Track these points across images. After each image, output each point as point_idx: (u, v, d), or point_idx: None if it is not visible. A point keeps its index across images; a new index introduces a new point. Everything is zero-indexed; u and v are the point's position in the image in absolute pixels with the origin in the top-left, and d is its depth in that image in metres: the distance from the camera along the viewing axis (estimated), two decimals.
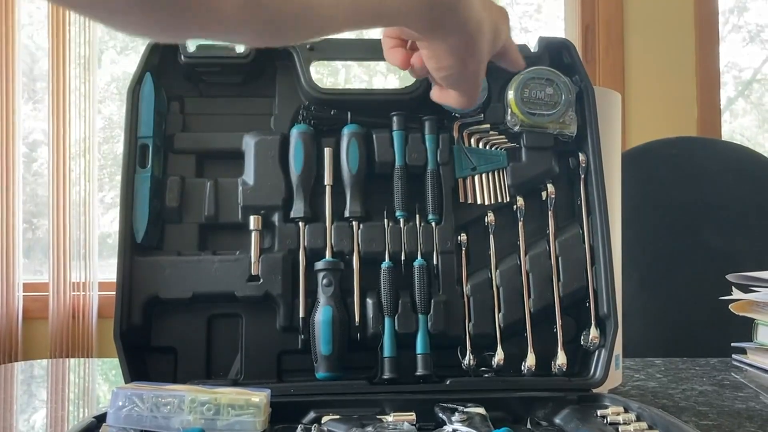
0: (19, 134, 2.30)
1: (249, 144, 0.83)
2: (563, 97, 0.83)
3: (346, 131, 0.83)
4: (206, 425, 0.62)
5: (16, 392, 1.12)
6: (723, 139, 2.49)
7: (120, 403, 0.63)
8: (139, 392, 0.64)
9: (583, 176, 0.84)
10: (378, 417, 0.69)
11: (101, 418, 0.67)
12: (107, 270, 2.32)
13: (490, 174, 0.84)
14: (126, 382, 0.74)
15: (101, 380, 1.16)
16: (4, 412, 0.97)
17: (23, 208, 2.35)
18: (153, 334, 0.79)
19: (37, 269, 2.46)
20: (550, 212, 0.83)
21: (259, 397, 0.64)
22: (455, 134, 0.84)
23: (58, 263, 2.25)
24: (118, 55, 2.62)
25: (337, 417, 0.68)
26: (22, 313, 2.28)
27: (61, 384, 1.19)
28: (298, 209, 0.81)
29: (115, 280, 0.78)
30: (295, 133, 0.83)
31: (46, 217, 2.30)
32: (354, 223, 0.82)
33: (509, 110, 0.84)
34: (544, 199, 0.84)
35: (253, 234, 0.81)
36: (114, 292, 0.78)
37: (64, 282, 2.25)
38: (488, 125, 0.85)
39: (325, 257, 0.80)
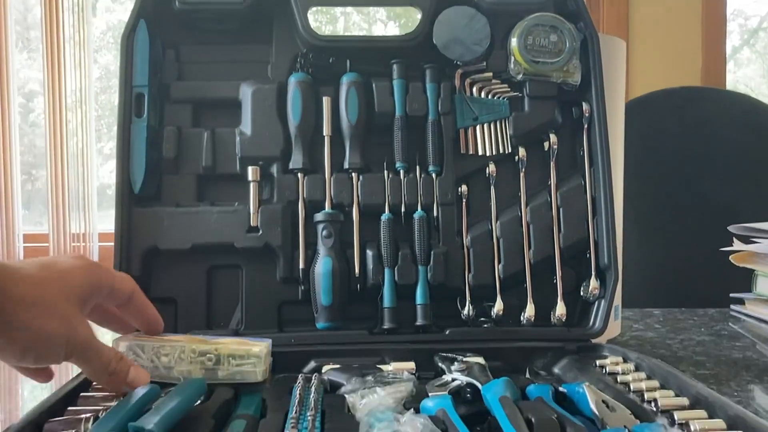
0: (14, 84, 2.27)
1: (246, 93, 0.81)
2: (567, 45, 0.81)
3: (345, 80, 0.82)
4: (207, 375, 0.63)
5: None
6: (727, 88, 2.46)
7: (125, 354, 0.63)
8: (140, 342, 0.64)
9: (586, 126, 0.82)
10: (378, 366, 0.69)
11: None
12: (106, 221, 2.32)
13: (491, 124, 0.83)
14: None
15: (103, 330, 1.17)
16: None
17: (22, 159, 2.34)
18: (153, 285, 0.79)
19: (37, 220, 2.46)
20: (552, 163, 0.82)
21: (260, 347, 0.64)
22: (457, 83, 0.83)
23: (57, 214, 2.25)
24: (112, 3, 2.57)
25: (338, 366, 0.69)
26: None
27: None
28: (296, 160, 0.80)
29: (113, 231, 0.77)
30: (292, 81, 0.81)
31: (44, 168, 2.28)
32: (353, 174, 0.81)
33: (512, 58, 0.82)
34: (546, 149, 0.83)
35: (251, 185, 0.80)
36: (113, 243, 0.77)
37: (63, 233, 2.25)
38: (491, 74, 0.83)
39: (324, 209, 0.80)
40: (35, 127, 2.47)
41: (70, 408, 0.57)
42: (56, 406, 0.56)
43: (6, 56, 2.23)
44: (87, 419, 0.52)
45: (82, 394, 0.60)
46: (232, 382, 0.63)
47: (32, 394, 0.80)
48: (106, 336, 0.68)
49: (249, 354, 0.63)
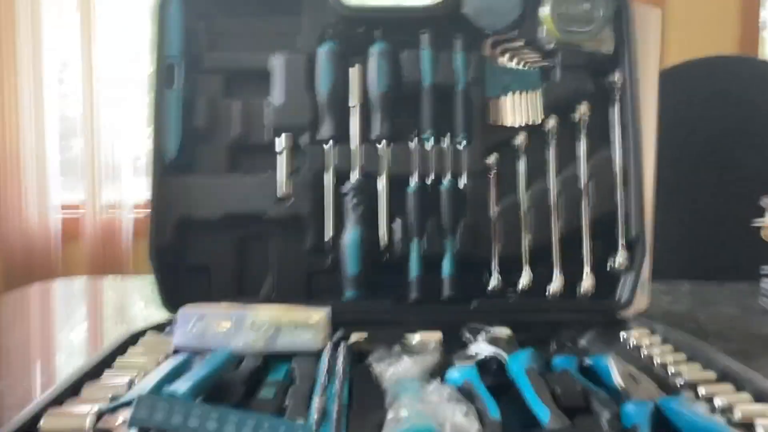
0: (48, 53, 2.29)
1: (276, 63, 0.81)
2: (600, 13, 0.80)
3: (373, 50, 0.81)
4: (267, 343, 0.64)
5: (57, 308, 1.16)
6: (764, 58, 2.39)
7: (187, 325, 0.65)
8: (204, 313, 0.66)
9: (618, 96, 0.81)
10: (404, 336, 0.70)
11: (138, 334, 0.69)
12: (140, 191, 2.35)
13: (521, 94, 0.82)
14: (161, 301, 0.76)
15: (138, 297, 1.20)
16: (46, 327, 1.02)
17: (58, 128, 2.37)
18: (186, 254, 0.81)
19: (72, 189, 2.50)
20: (582, 133, 0.82)
21: (319, 315, 0.65)
22: (487, 52, 0.82)
23: (92, 184, 2.29)
24: None
25: (365, 335, 0.70)
26: (60, 232, 2.33)
27: (98, 301, 1.23)
28: (325, 130, 0.81)
29: (147, 201, 0.79)
30: (322, 51, 0.81)
31: (79, 138, 2.32)
32: (382, 144, 0.81)
33: (543, 27, 0.81)
34: (576, 119, 0.82)
35: (281, 155, 0.80)
36: (147, 212, 0.79)
37: (98, 202, 2.29)
38: (521, 42, 0.82)
39: (352, 179, 0.80)
40: (70, 97, 2.49)
41: (107, 372, 0.59)
42: (94, 370, 0.58)
43: (40, 25, 2.25)
44: (123, 383, 0.54)
45: (119, 358, 0.62)
46: (290, 351, 0.64)
47: (69, 360, 0.82)
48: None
49: (308, 323, 0.64)
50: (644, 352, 0.65)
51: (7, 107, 2.24)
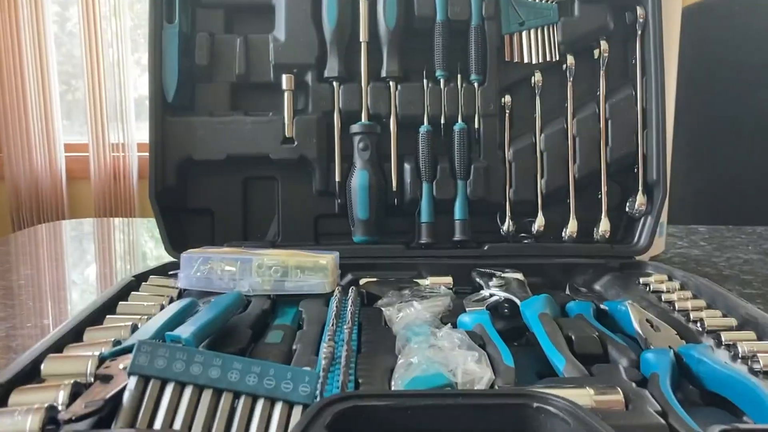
0: None
1: None
2: None
3: None
4: (274, 287, 0.63)
5: (67, 248, 1.15)
6: None
7: (191, 268, 0.64)
8: (208, 256, 0.64)
9: (639, 33, 0.77)
10: (415, 281, 0.68)
11: (141, 278, 0.68)
12: (145, 132, 2.33)
13: (539, 30, 0.78)
14: (164, 243, 0.74)
15: (147, 237, 1.19)
16: (58, 267, 1.01)
17: (60, 69, 2.33)
18: (189, 196, 0.79)
19: (78, 130, 2.48)
20: (602, 72, 0.78)
21: (327, 259, 0.64)
22: None
23: (96, 125, 2.26)
24: None
25: (374, 280, 0.68)
26: (66, 173, 2.32)
27: (107, 241, 1.22)
28: (332, 68, 0.77)
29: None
30: None
31: (82, 79, 2.28)
32: (391, 83, 0.77)
33: None
34: (596, 57, 0.78)
35: (285, 94, 0.77)
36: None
37: (103, 143, 2.27)
38: None
39: (360, 120, 0.77)
40: (72, 37, 2.45)
41: (109, 316, 0.57)
42: (95, 315, 0.57)
43: None
44: (126, 327, 0.53)
45: (121, 302, 0.61)
46: (299, 293, 0.63)
47: (80, 298, 0.81)
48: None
49: (316, 266, 0.63)
50: (662, 297, 0.63)
51: (10, 50, 2.20)
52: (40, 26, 2.21)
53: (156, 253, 1.05)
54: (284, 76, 0.77)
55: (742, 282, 0.81)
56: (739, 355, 0.49)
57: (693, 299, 0.61)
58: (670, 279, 0.68)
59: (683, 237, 1.07)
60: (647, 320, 0.54)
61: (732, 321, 0.56)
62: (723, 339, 0.52)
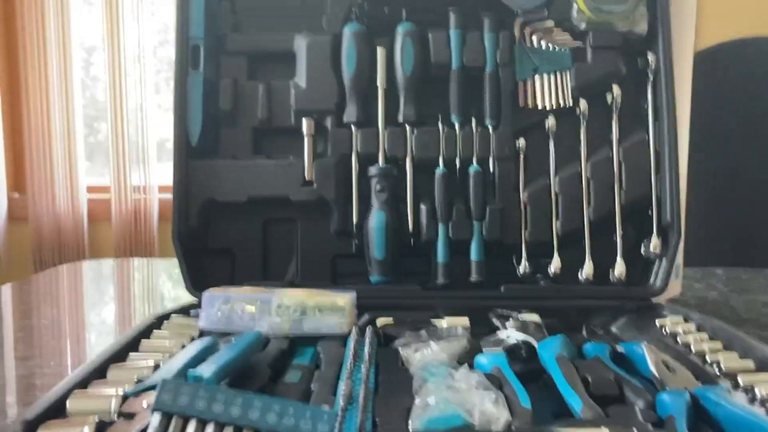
0: (75, 38, 2.31)
1: (300, 45, 0.80)
2: None
3: (400, 30, 0.80)
4: (293, 327, 0.64)
5: (86, 288, 1.17)
6: None
7: (212, 307, 0.65)
8: (228, 296, 0.66)
9: (651, 78, 0.79)
10: (431, 321, 0.69)
11: (163, 317, 0.69)
12: (166, 174, 2.37)
13: (552, 75, 0.80)
14: (185, 283, 0.76)
15: (165, 278, 1.20)
16: (77, 307, 1.02)
17: (84, 112, 2.39)
18: (210, 237, 0.80)
19: (99, 172, 2.53)
20: (614, 116, 0.79)
21: (345, 299, 0.65)
22: (516, 33, 0.80)
23: (118, 167, 2.30)
24: None
25: (391, 320, 0.69)
26: (87, 214, 2.36)
27: (127, 282, 1.24)
28: (350, 113, 0.79)
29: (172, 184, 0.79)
30: (347, 32, 0.80)
31: (105, 121, 2.33)
32: (407, 127, 0.79)
33: (575, 6, 0.78)
34: (609, 102, 0.80)
35: (306, 138, 0.79)
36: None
37: (124, 185, 2.31)
38: (552, 23, 0.80)
39: (378, 162, 0.79)
40: (96, 81, 2.51)
41: (132, 354, 0.59)
42: (119, 353, 0.58)
43: (68, 10, 2.27)
44: (149, 365, 0.54)
45: (143, 340, 0.62)
46: (316, 335, 0.63)
47: (98, 340, 0.83)
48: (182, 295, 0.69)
49: (334, 306, 0.64)
50: (679, 339, 0.63)
51: (38, 95, 2.27)
52: (68, 72, 2.28)
53: (174, 293, 1.07)
54: (305, 121, 0.80)
55: (761, 325, 0.81)
56: (757, 398, 0.49)
57: (710, 341, 0.61)
58: (686, 321, 0.68)
59: (700, 279, 1.06)
60: (663, 362, 0.54)
61: (749, 363, 0.56)
62: (740, 381, 0.52)
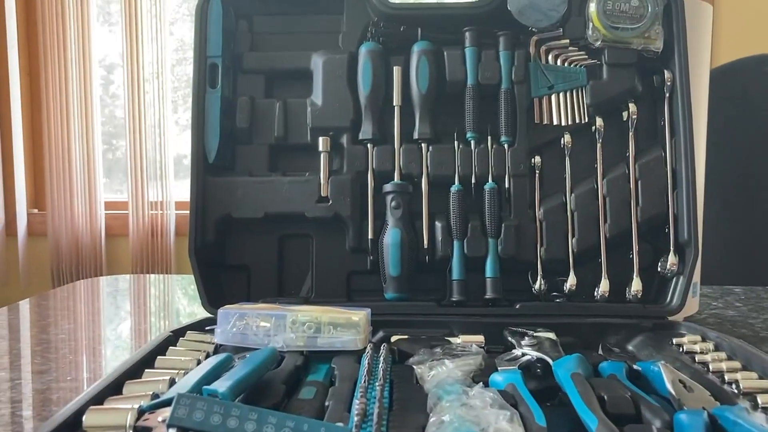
0: (95, 57, 2.35)
1: (317, 63, 0.81)
2: (649, 9, 0.77)
3: (416, 49, 0.80)
4: (307, 343, 0.64)
5: (103, 304, 1.18)
6: None
7: (227, 323, 0.66)
8: (244, 312, 0.66)
9: (668, 95, 0.79)
10: (446, 338, 0.69)
11: (178, 333, 0.70)
12: (183, 190, 2.39)
13: (567, 93, 0.80)
14: (201, 299, 0.76)
15: (180, 294, 1.21)
16: (93, 322, 1.03)
17: (103, 129, 2.43)
18: (227, 253, 0.81)
19: (117, 188, 2.56)
20: (630, 134, 0.79)
21: (359, 315, 0.65)
22: (532, 50, 0.80)
23: (135, 183, 2.33)
24: None
25: (406, 337, 0.69)
26: (105, 230, 2.39)
27: (143, 297, 1.25)
28: (366, 131, 0.80)
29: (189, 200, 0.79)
30: (363, 51, 0.81)
31: (124, 138, 2.37)
32: (423, 145, 0.80)
33: (590, 24, 0.79)
34: (624, 119, 0.80)
35: (321, 155, 0.80)
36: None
37: (142, 201, 2.34)
38: (567, 41, 0.80)
39: (393, 179, 0.79)
40: (115, 99, 2.55)
41: (147, 370, 0.59)
42: (134, 369, 0.58)
43: (88, 30, 2.31)
44: (164, 381, 0.54)
45: (159, 357, 0.62)
46: (331, 350, 0.64)
47: (114, 354, 0.83)
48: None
49: (349, 322, 0.64)
50: (696, 358, 0.62)
51: (59, 113, 2.31)
52: (87, 89, 2.32)
53: (189, 309, 1.07)
54: (321, 139, 0.80)
55: None
56: None
57: (728, 360, 0.61)
58: (703, 340, 0.68)
59: (718, 297, 1.05)
60: (680, 381, 0.54)
61: None
62: (759, 401, 0.51)
